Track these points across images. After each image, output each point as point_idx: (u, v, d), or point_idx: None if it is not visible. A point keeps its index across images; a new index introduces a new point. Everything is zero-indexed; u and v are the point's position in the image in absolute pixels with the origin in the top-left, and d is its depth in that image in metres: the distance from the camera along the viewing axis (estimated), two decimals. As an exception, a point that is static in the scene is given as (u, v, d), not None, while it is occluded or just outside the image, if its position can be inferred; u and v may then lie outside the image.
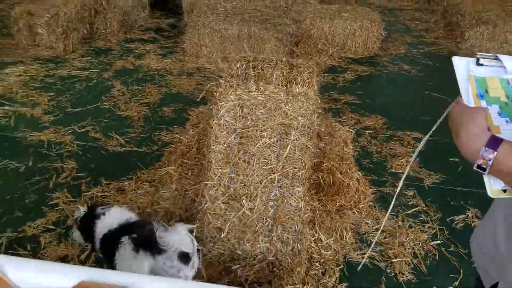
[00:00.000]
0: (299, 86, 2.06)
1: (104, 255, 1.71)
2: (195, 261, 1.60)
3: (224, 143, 1.99)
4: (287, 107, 1.90)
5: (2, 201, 2.43)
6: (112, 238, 1.64)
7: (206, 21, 4.10)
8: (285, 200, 1.76)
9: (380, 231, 2.30)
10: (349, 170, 2.25)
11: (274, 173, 1.82)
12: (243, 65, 2.42)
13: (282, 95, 1.97)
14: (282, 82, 2.18)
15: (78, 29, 4.24)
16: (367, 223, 2.35)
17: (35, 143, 2.93)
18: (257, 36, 4.05)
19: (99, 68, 4.00)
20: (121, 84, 3.78)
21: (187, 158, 2.46)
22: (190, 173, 2.40)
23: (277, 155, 1.86)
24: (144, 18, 5.04)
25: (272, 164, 1.84)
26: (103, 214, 1.72)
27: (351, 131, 2.68)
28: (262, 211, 1.77)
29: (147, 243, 1.53)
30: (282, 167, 1.81)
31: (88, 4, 4.33)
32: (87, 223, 1.75)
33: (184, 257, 1.55)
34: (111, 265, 1.64)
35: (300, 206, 1.73)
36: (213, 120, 2.02)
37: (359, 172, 2.35)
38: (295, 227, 1.71)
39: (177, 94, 3.74)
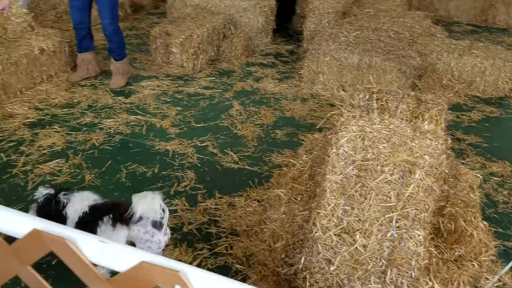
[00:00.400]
0: (427, 123, 1.97)
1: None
2: (168, 229, 1.91)
3: (340, 174, 1.97)
4: (414, 144, 1.82)
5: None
6: (90, 219, 1.90)
7: (326, 49, 4.15)
8: (403, 242, 1.67)
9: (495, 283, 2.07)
10: (474, 218, 2.07)
11: (392, 212, 1.74)
12: (366, 95, 2.39)
13: (408, 130, 1.90)
14: (407, 117, 2.11)
15: (207, 51, 4.59)
16: (487, 278, 2.13)
17: (161, 152, 3.21)
18: (378, 67, 3.98)
19: (221, 88, 4.26)
20: (239, 104, 3.98)
21: (298, 183, 2.48)
22: (299, 198, 2.41)
23: (398, 193, 1.79)
24: (266, 44, 5.27)
25: (391, 202, 1.77)
26: (70, 199, 1.94)
27: (479, 176, 2.47)
28: (377, 250, 1.70)
29: (123, 218, 1.85)
30: (403, 207, 1.73)
31: (218, 29, 4.67)
32: (55, 208, 1.91)
33: (157, 224, 1.85)
34: None
35: (419, 251, 1.63)
36: (332, 149, 2.02)
37: (485, 223, 2.15)
38: (412, 273, 1.61)
39: (290, 118, 3.82)
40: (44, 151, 3.11)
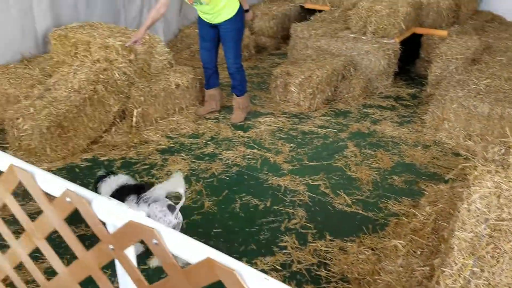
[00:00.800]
0: None
1: None
2: (179, 215, 2.26)
3: (471, 232, 1.81)
4: None
5: (242, 231, 2.79)
6: (117, 196, 2.21)
7: (454, 96, 3.91)
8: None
9: None
10: None
11: (535, 283, 1.54)
12: (501, 149, 2.19)
13: (557, 192, 1.68)
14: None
15: (324, 91, 4.65)
16: None
17: (274, 186, 3.28)
18: (511, 118, 3.63)
19: (336, 128, 4.25)
20: (354, 146, 3.92)
21: (419, 236, 2.33)
22: (420, 252, 2.26)
23: (542, 262, 1.57)
24: (386, 86, 5.16)
25: (533, 271, 1.56)
26: (105, 180, 2.51)
27: None
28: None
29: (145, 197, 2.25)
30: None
31: (338, 70, 4.72)
32: (95, 186, 2.55)
33: (171, 207, 2.25)
34: None
35: None
36: (462, 204, 1.87)
37: None
38: None
39: (410, 165, 3.64)
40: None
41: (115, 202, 0.76)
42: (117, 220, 0.74)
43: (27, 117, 3.35)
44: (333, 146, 3.94)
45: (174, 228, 2.19)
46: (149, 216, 2.06)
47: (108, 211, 0.76)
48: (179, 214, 2.30)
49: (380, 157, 3.74)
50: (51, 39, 4.19)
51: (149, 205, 2.24)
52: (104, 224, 0.78)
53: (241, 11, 3.99)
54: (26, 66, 4.36)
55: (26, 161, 2.98)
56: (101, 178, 2.61)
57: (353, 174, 3.48)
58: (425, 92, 5.01)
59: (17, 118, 3.37)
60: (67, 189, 0.78)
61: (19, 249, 0.96)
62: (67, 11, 4.82)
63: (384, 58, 4.91)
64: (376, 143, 3.98)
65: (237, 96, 4.34)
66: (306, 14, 6.99)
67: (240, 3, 3.95)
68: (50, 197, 0.83)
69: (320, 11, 6.51)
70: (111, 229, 0.77)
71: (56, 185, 0.82)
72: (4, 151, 3.10)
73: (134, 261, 0.80)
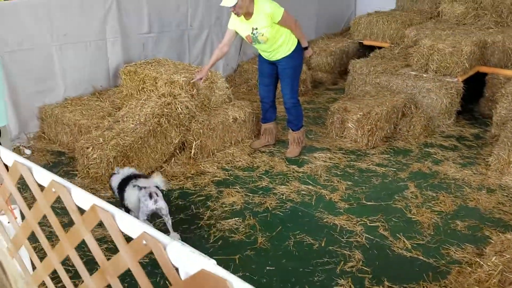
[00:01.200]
0: None
1: (119, 194, 3.08)
2: (159, 200, 2.87)
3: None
4: None
5: (296, 271, 2.75)
6: (122, 184, 3.05)
7: (523, 138, 3.70)
8: None
9: None
10: None
11: None
12: None
13: None
14: None
15: (383, 128, 4.57)
16: None
17: (329, 225, 3.22)
18: None
19: (396, 167, 4.14)
20: (415, 186, 3.78)
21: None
22: (487, 308, 2.10)
23: None
24: (448, 125, 4.98)
25: None
26: (115, 173, 3.20)
27: None
28: None
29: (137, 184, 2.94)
30: None
31: (398, 107, 4.64)
32: (109, 179, 3.28)
33: (151, 195, 2.85)
34: (122, 202, 3.06)
35: None
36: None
37: None
38: None
39: (474, 210, 3.44)
40: (226, 208, 3.45)
41: (188, 248, 0.80)
42: (189, 267, 0.77)
43: (97, 147, 3.57)
44: (393, 186, 3.83)
45: (156, 210, 2.91)
46: (138, 198, 2.89)
47: (181, 257, 0.79)
48: (159, 202, 2.89)
49: (442, 199, 3.58)
50: (121, 74, 4.50)
51: (140, 189, 2.90)
52: (176, 269, 0.82)
53: (299, 49, 4.08)
54: (97, 99, 4.69)
55: (91, 189, 3.16)
56: (113, 174, 3.25)
57: (413, 216, 3.34)
58: (489, 132, 4.77)
59: (88, 148, 3.60)
60: (144, 232, 0.83)
61: (92, 284, 1.01)
62: (137, 49, 5.17)
63: (446, 97, 4.76)
64: (438, 185, 3.82)
65: (293, 130, 4.38)
66: (364, 50, 6.99)
67: (298, 40, 4.04)
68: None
69: (379, 47, 6.48)
70: (183, 275, 0.81)
71: (134, 226, 0.87)
72: (73, 178, 3.29)
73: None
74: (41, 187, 1.06)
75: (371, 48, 6.76)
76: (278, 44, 3.93)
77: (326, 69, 6.67)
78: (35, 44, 4.27)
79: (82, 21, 4.56)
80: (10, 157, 1.14)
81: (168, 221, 3.01)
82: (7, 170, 1.15)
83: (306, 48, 4.18)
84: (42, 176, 1.05)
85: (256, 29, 3.82)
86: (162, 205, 2.91)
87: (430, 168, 4.12)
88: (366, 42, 7.00)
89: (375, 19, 6.75)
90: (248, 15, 3.81)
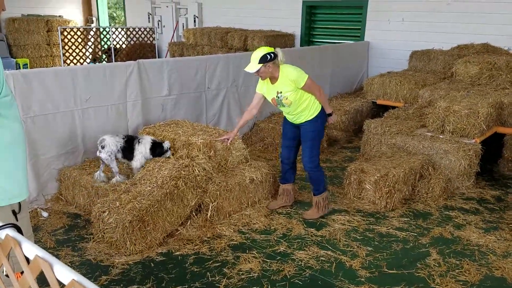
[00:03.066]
0: None
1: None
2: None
3: None
4: None
5: None
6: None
7: (549, 204, 3.59)
8: None
9: None
10: None
11: None
12: None
13: None
14: None
15: (401, 190, 4.50)
16: None
17: (350, 296, 3.09)
18: None
19: (416, 232, 4.02)
20: (437, 253, 3.65)
21: None
22: None
23: None
24: (467, 187, 4.88)
25: None
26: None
27: None
28: None
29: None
30: None
31: (415, 169, 4.59)
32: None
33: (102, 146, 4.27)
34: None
35: None
36: None
37: None
38: None
39: (500, 279, 3.29)
40: (243, 276, 3.35)
41: None
42: None
43: (113, 211, 3.57)
44: (414, 252, 3.70)
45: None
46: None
47: None
48: (104, 153, 4.23)
49: (466, 268, 3.43)
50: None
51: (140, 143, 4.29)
52: None
53: (322, 115, 4.11)
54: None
55: (106, 253, 3.10)
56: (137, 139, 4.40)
57: (437, 287, 3.20)
58: (511, 195, 4.66)
59: (104, 212, 3.60)
60: None
61: None
62: (156, 111, 5.31)
63: (464, 159, 4.71)
64: (461, 252, 3.68)
65: (314, 195, 4.31)
66: (378, 109, 7.06)
67: (322, 107, 4.09)
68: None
69: (393, 107, 6.55)
70: None
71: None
72: (87, 242, 3.24)
73: None
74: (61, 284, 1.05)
75: (385, 107, 6.83)
76: (302, 108, 3.99)
77: (341, 127, 6.72)
78: (59, 109, 4.41)
79: (104, 86, 4.73)
80: (32, 251, 1.13)
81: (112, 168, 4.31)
82: (28, 262, 1.14)
83: (330, 115, 4.20)
84: (63, 274, 1.03)
85: (281, 92, 3.93)
86: (102, 156, 4.25)
87: (452, 233, 4.00)
88: (379, 102, 7.08)
89: (388, 80, 6.87)
90: (273, 79, 3.94)
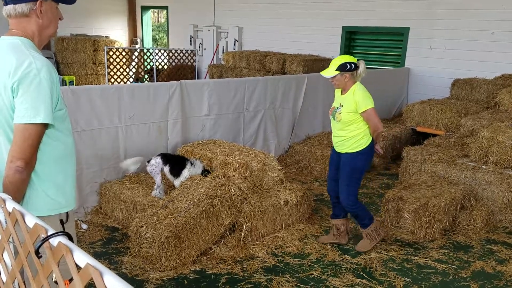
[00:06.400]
0: None
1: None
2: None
3: None
4: None
5: None
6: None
7: None
8: None
9: None
10: None
11: None
12: None
13: None
14: None
15: (441, 221, 4.35)
16: None
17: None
18: None
19: (457, 265, 3.86)
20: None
21: None
22: None
23: None
24: (510, 221, 4.66)
25: None
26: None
27: None
28: None
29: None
30: None
31: (456, 199, 4.44)
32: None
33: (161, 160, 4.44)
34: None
35: None
36: None
37: None
38: None
39: (550, 321, 3.09)
40: (275, 300, 3.31)
41: None
42: None
43: (150, 226, 3.64)
44: (454, 285, 3.55)
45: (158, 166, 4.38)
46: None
47: None
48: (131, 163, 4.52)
49: (512, 306, 3.25)
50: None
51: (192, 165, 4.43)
52: None
53: (368, 154, 3.86)
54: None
55: (141, 268, 3.13)
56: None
57: (479, 324, 3.04)
58: (560, 231, 4.41)
59: (141, 226, 3.67)
60: None
61: None
62: (196, 130, 5.43)
63: (508, 191, 4.52)
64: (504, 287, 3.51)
65: (362, 228, 4.07)
66: (417, 137, 6.92)
67: (371, 146, 3.85)
68: None
69: (433, 135, 6.40)
70: None
71: None
72: (124, 256, 3.30)
73: None
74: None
75: (424, 135, 6.69)
76: (347, 135, 3.78)
77: (379, 153, 6.60)
78: (103, 125, 4.59)
79: (147, 105, 4.90)
80: (83, 259, 1.17)
81: None
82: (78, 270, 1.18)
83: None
84: (112, 284, 1.06)
85: (341, 106, 3.80)
86: (147, 169, 4.46)
87: (494, 268, 3.81)
88: (419, 129, 6.94)
89: (429, 107, 6.74)
90: (344, 91, 3.84)
